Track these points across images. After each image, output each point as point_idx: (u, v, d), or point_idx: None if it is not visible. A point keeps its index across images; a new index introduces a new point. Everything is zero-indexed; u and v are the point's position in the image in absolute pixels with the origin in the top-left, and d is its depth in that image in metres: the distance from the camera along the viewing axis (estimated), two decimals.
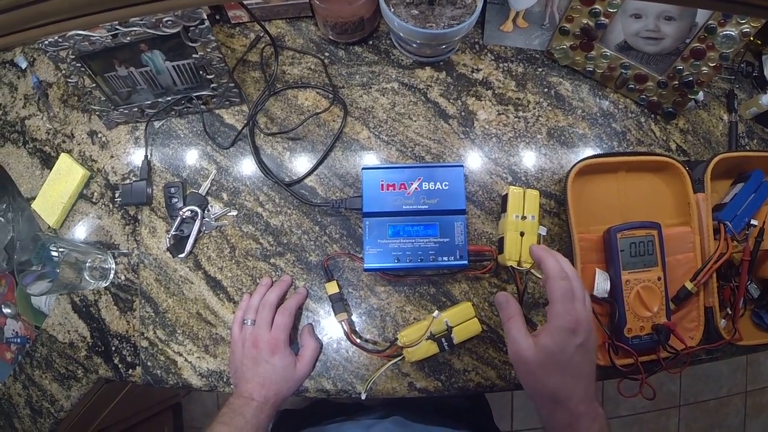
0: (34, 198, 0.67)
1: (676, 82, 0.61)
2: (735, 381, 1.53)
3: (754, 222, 0.58)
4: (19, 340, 0.73)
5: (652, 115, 0.65)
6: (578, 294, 0.44)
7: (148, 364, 0.61)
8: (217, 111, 0.66)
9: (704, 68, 0.59)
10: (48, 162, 0.68)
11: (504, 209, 0.59)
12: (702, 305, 0.58)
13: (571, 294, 0.43)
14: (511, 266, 0.56)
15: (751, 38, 0.58)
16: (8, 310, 0.75)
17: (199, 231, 0.62)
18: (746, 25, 0.55)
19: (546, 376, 0.42)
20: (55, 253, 0.61)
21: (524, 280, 0.57)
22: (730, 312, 0.59)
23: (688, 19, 0.57)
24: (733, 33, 0.56)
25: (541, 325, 0.51)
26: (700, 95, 0.64)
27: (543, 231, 0.57)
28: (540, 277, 0.52)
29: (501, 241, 0.58)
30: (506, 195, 0.58)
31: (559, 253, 0.47)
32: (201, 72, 0.60)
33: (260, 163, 0.62)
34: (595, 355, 0.44)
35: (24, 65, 0.72)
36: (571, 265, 0.46)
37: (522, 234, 0.56)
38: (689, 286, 0.57)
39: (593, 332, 0.44)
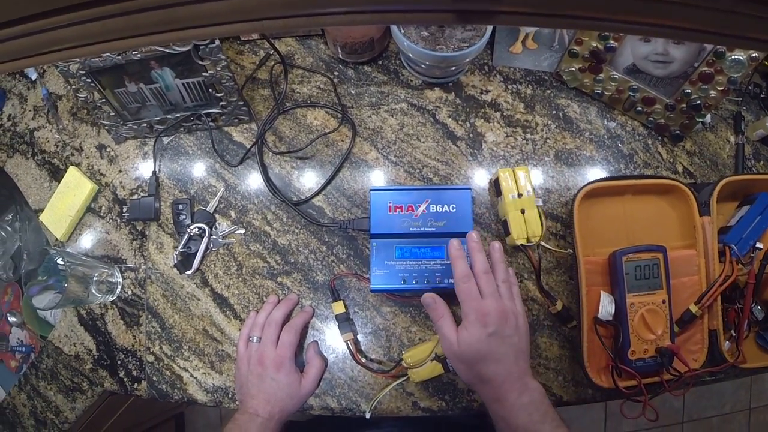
0: (41, 210, 0.67)
1: (684, 106, 0.61)
2: (739, 398, 1.52)
3: (759, 245, 0.58)
4: (23, 349, 0.73)
5: (660, 138, 0.65)
6: (486, 290, 0.49)
7: (154, 378, 0.62)
8: (225, 128, 0.66)
9: (712, 92, 0.59)
10: (56, 174, 0.68)
11: (498, 193, 0.59)
12: (706, 328, 0.58)
13: (476, 293, 0.48)
14: (521, 244, 0.57)
15: (759, 61, 0.58)
16: (14, 319, 0.75)
17: (207, 248, 0.62)
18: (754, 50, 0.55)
19: (470, 363, 0.48)
20: (62, 267, 0.61)
21: (538, 255, 0.57)
22: (734, 334, 0.59)
23: (697, 44, 0.57)
24: (741, 58, 0.56)
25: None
26: (708, 118, 0.64)
27: (540, 202, 0.58)
28: (549, 248, 0.59)
29: (505, 224, 0.59)
30: (497, 179, 0.59)
31: (479, 249, 0.51)
32: (210, 89, 0.61)
33: (268, 181, 0.63)
34: (515, 339, 0.48)
35: (34, 76, 0.73)
36: (486, 262, 0.51)
37: (523, 211, 0.57)
38: (694, 309, 0.57)
39: (508, 320, 0.48)
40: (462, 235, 0.56)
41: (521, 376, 0.47)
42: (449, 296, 0.59)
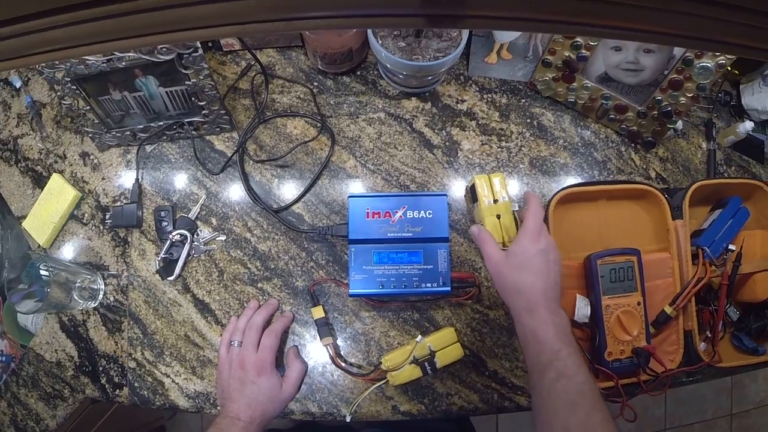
0: (24, 217, 0.67)
1: (656, 113, 0.62)
2: (720, 404, 1.52)
3: (731, 247, 0.60)
4: (3, 358, 0.73)
5: (632, 145, 0.67)
6: (546, 228, 0.53)
7: (136, 384, 0.62)
8: (207, 137, 0.67)
9: (682, 99, 0.61)
10: (40, 181, 0.69)
11: (474, 199, 0.60)
12: (681, 329, 0.59)
13: (540, 221, 0.52)
14: None
15: (728, 68, 0.60)
16: None
17: (188, 255, 0.62)
18: (722, 57, 0.57)
19: (510, 273, 0.50)
20: (44, 273, 0.61)
21: None
22: (709, 335, 0.61)
23: (666, 52, 0.59)
24: (709, 65, 0.58)
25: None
26: (679, 124, 0.66)
27: (516, 207, 0.59)
28: None
29: None
30: (473, 186, 0.60)
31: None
32: (193, 98, 0.62)
33: (249, 189, 0.64)
34: (556, 269, 0.51)
35: (18, 84, 0.73)
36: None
37: (498, 217, 0.58)
38: (668, 310, 0.58)
39: (555, 248, 0.52)
40: (438, 240, 0.58)
41: (554, 299, 0.50)
42: (428, 302, 0.61)
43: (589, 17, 0.20)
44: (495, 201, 0.58)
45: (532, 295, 0.49)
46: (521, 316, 0.49)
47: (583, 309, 0.58)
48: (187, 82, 0.60)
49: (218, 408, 0.59)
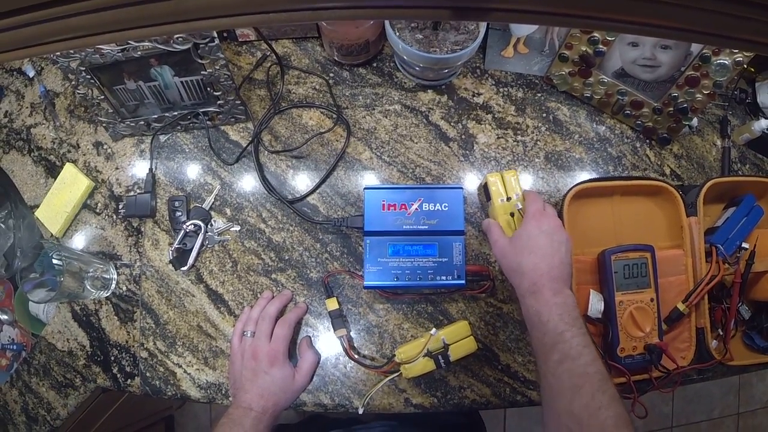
0: (37, 206, 0.67)
1: (671, 109, 0.62)
2: (727, 403, 1.53)
3: (745, 245, 0.60)
4: (14, 347, 0.73)
5: (647, 141, 0.67)
6: (549, 209, 0.54)
7: (147, 374, 0.62)
8: (222, 127, 0.67)
9: (698, 96, 0.60)
10: (53, 171, 0.69)
11: (488, 198, 0.60)
12: (694, 326, 0.59)
13: (542, 204, 0.54)
14: None
15: (745, 66, 0.60)
16: (5, 317, 0.75)
17: (202, 245, 0.62)
18: (739, 55, 0.57)
19: (514, 255, 0.52)
20: (57, 262, 0.61)
21: None
22: (721, 333, 0.61)
23: (684, 48, 0.59)
24: (726, 62, 0.57)
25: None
26: (694, 121, 0.66)
27: (519, 206, 0.59)
28: None
29: None
30: (485, 184, 0.60)
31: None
32: (208, 88, 0.62)
33: (264, 180, 0.64)
34: (563, 249, 0.51)
35: (31, 74, 0.73)
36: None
37: (513, 215, 0.58)
38: (681, 307, 0.58)
39: (561, 233, 0.52)
40: (454, 233, 0.57)
41: (559, 278, 0.49)
42: (442, 295, 0.61)
43: (615, 13, 0.20)
44: (509, 199, 0.58)
45: (536, 276, 0.49)
46: (525, 298, 0.49)
47: (596, 304, 0.58)
48: (202, 72, 0.59)
49: (230, 399, 0.59)
